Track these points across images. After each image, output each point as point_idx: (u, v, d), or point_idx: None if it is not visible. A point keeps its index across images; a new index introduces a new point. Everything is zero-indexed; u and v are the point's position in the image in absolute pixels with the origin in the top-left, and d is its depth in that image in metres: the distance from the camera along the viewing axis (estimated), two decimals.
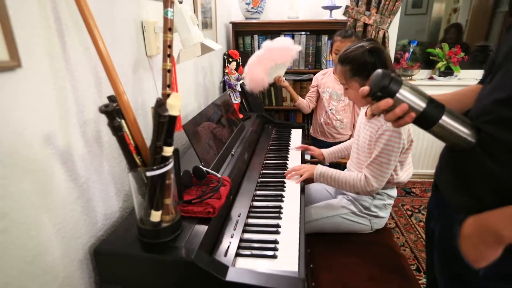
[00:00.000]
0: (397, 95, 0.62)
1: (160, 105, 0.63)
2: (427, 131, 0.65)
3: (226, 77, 1.65)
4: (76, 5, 0.64)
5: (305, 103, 1.99)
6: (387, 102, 0.62)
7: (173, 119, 0.67)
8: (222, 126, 1.35)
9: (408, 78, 2.55)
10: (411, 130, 1.12)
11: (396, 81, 0.62)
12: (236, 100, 1.70)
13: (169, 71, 0.71)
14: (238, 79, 1.68)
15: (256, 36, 2.36)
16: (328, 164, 1.64)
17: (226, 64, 1.64)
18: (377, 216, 1.23)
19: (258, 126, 1.71)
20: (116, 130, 0.64)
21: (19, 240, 0.60)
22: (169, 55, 0.71)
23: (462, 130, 0.62)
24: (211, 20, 1.89)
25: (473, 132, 0.62)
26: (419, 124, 0.64)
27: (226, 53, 1.66)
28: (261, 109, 2.17)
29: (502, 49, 0.65)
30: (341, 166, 1.86)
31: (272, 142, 1.64)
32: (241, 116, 1.68)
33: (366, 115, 1.23)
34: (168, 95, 0.72)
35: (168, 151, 0.70)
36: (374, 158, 1.12)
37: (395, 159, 1.10)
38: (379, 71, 0.64)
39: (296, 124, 1.91)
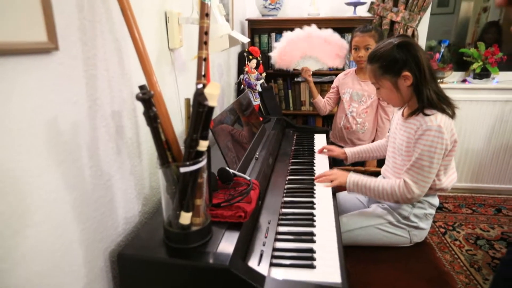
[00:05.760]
0: None
1: (200, 94, 0.64)
2: None
3: (246, 76, 1.68)
4: None
5: (323, 102, 2.03)
6: None
7: (211, 110, 0.68)
8: (245, 127, 1.36)
9: (439, 80, 2.57)
10: (454, 129, 1.12)
11: None
12: (255, 101, 1.72)
13: (204, 59, 0.73)
14: (258, 79, 1.71)
15: (273, 35, 2.40)
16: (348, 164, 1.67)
17: (246, 62, 1.67)
18: (417, 227, 1.22)
19: (279, 130, 1.73)
20: (152, 120, 0.65)
21: (49, 237, 0.61)
22: (205, 42, 0.73)
23: None
24: (227, 17, 1.93)
25: None
26: None
27: (246, 50, 1.69)
28: (279, 112, 2.19)
29: None
30: (366, 173, 1.86)
31: (295, 147, 1.65)
32: (260, 118, 1.69)
33: (403, 115, 1.24)
34: (204, 85, 0.73)
35: (203, 145, 0.71)
36: (415, 161, 1.11)
37: (437, 161, 1.10)
38: None
39: (319, 128, 1.92)
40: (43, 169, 0.59)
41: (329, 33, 1.86)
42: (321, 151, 1.59)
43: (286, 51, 1.82)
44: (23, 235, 0.55)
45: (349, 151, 1.57)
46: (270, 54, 1.89)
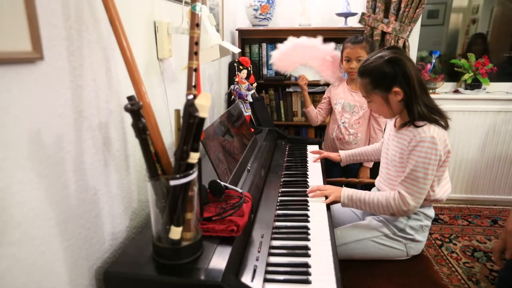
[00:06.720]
0: None
1: (190, 105, 0.64)
2: None
3: (236, 86, 1.69)
4: (103, 3, 0.67)
5: (315, 113, 2.04)
6: None
7: (202, 121, 0.68)
8: (236, 138, 1.36)
9: (431, 91, 2.61)
10: (448, 140, 1.14)
11: None
12: (246, 112, 1.73)
13: (195, 70, 0.73)
14: (248, 89, 1.71)
15: (264, 45, 2.43)
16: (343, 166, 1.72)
17: (236, 73, 1.68)
18: (413, 240, 1.22)
19: (271, 141, 1.73)
20: (141, 132, 0.65)
21: (30, 255, 0.59)
22: (195, 53, 0.73)
23: None
24: (218, 27, 1.95)
25: None
26: None
27: (237, 60, 1.70)
28: (271, 123, 2.20)
29: None
30: (357, 186, 1.87)
31: (288, 159, 1.65)
32: (252, 129, 1.70)
33: (395, 125, 1.25)
34: (194, 96, 0.73)
35: (194, 157, 0.70)
36: (409, 172, 1.12)
37: (432, 172, 1.11)
38: None
39: (311, 139, 1.93)
40: (25, 184, 0.57)
41: (334, 50, 1.91)
42: (316, 160, 1.64)
43: (288, 55, 1.85)
44: (0, 253, 0.54)
45: (344, 153, 1.61)
46: (271, 53, 1.91)
